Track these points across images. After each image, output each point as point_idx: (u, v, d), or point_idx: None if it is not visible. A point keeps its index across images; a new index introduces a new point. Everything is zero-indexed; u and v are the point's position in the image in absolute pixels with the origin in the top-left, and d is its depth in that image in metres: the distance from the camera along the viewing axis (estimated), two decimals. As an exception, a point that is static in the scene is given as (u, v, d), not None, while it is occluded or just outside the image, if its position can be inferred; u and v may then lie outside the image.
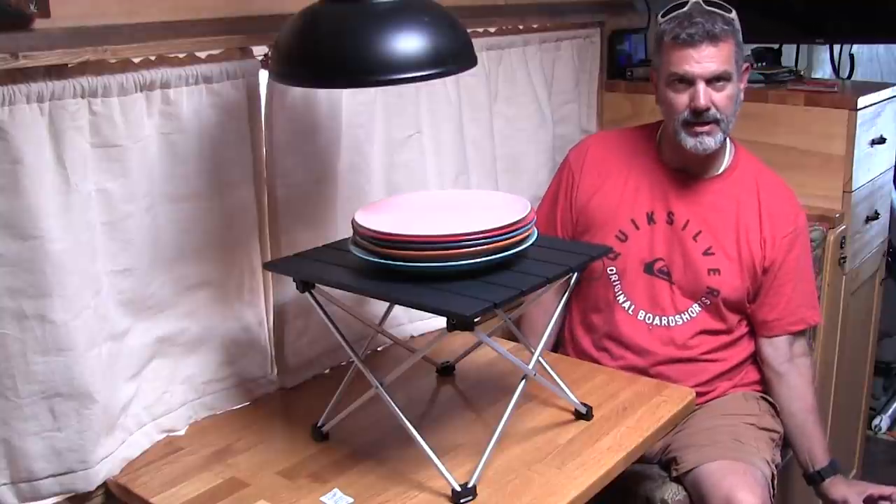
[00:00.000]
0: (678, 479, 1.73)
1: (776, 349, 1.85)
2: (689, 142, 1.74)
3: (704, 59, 1.68)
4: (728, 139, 1.83)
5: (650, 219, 1.83)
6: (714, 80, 1.70)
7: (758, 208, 1.81)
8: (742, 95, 1.79)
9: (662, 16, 1.76)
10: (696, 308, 1.81)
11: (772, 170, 1.89)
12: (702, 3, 1.73)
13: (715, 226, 1.81)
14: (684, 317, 1.82)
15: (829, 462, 1.83)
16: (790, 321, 1.83)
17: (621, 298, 1.85)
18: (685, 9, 1.73)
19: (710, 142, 1.73)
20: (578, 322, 1.93)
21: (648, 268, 1.83)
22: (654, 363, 1.82)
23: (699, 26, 1.67)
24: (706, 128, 1.72)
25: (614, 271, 1.85)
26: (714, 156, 1.81)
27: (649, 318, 1.83)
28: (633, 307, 1.84)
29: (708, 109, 1.70)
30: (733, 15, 1.73)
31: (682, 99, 1.72)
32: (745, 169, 1.85)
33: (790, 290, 1.82)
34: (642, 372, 1.77)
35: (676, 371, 1.80)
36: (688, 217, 1.82)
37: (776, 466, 1.76)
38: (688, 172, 1.84)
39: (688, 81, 1.71)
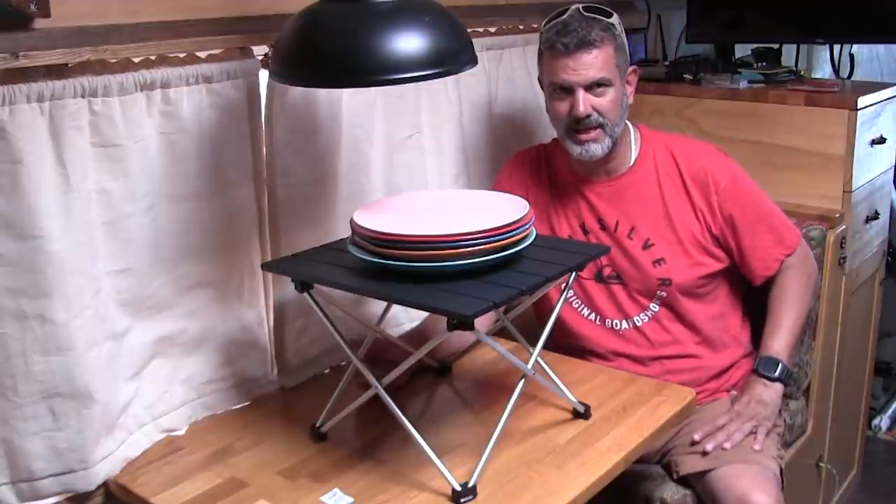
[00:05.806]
0: (683, 481, 1.73)
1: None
2: (575, 149, 1.73)
3: (581, 67, 1.67)
4: (631, 126, 1.82)
5: (584, 229, 1.83)
6: (594, 87, 1.69)
7: (681, 181, 1.79)
8: (630, 98, 1.78)
9: (544, 24, 1.74)
10: (655, 305, 1.80)
11: (683, 136, 1.84)
12: (581, 9, 1.70)
13: (644, 218, 1.79)
14: (648, 314, 1.81)
15: (768, 357, 1.77)
16: (765, 266, 1.81)
17: (585, 311, 1.84)
18: (564, 17, 1.70)
19: (597, 148, 1.72)
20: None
21: (598, 277, 1.82)
22: (643, 362, 1.81)
23: (574, 34, 1.66)
24: (591, 134, 1.71)
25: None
26: (618, 153, 1.79)
27: (616, 323, 1.82)
28: (598, 317, 1.83)
29: (588, 116, 1.69)
30: (613, 20, 1.71)
31: (563, 107, 1.71)
32: (656, 149, 1.82)
33: (750, 242, 1.79)
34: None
35: (670, 367, 1.80)
36: (616, 218, 1.80)
37: (781, 459, 1.75)
38: (600, 175, 1.82)
39: (567, 90, 1.70)
